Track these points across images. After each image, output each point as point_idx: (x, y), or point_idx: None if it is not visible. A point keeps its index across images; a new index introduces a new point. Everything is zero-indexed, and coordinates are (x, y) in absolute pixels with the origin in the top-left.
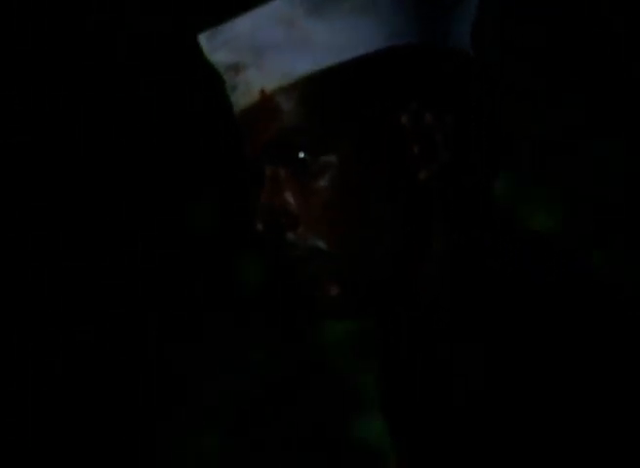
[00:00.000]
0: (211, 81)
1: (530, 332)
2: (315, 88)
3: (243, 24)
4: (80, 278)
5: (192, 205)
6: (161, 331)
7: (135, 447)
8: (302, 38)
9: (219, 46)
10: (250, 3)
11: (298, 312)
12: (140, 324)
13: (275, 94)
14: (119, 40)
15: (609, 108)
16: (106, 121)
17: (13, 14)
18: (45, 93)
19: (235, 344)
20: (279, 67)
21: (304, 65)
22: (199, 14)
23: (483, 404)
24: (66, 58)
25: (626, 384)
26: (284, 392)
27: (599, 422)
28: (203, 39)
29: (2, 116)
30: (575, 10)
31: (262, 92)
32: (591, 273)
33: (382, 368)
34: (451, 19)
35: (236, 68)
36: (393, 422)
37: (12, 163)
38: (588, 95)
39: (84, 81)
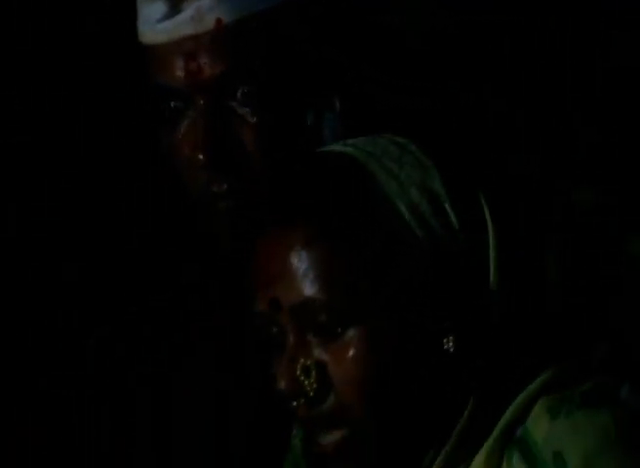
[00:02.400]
0: None
1: None
2: (270, 23)
3: None
4: (80, 278)
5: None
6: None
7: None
8: None
9: None
10: None
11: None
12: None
13: (232, 25)
14: (120, 39)
15: None
16: (107, 121)
17: (13, 14)
18: (45, 93)
19: None
20: (239, 1)
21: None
22: None
23: None
24: (66, 58)
25: None
26: None
27: None
28: None
29: (2, 116)
30: None
31: (219, 20)
32: None
33: None
34: None
35: None
36: None
37: (12, 163)
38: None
39: (84, 81)
